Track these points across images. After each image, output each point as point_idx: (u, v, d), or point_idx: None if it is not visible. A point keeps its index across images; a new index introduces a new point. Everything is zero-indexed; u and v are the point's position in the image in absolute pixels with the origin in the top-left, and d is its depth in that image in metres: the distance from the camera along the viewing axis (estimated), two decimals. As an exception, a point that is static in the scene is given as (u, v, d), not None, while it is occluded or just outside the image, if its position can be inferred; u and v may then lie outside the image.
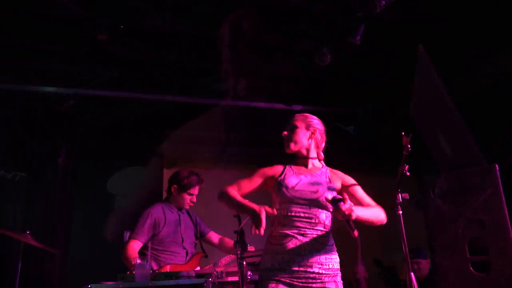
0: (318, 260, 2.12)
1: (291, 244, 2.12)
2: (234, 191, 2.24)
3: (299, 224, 2.15)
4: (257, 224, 2.03)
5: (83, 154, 4.90)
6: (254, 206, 2.09)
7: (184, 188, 3.50)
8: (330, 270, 2.14)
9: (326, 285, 2.11)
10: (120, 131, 5.11)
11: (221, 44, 4.37)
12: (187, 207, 3.56)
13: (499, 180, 2.99)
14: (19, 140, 4.72)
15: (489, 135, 4.32)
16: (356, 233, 1.99)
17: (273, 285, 2.08)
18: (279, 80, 5.10)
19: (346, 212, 1.95)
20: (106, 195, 4.77)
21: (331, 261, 2.16)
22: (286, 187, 2.23)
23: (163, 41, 4.28)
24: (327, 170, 2.40)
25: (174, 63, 4.67)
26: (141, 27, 4.07)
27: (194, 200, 3.57)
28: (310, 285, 2.09)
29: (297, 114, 2.48)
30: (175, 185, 3.52)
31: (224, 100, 5.41)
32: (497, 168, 3.01)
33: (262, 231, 2.05)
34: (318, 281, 2.10)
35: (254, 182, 2.33)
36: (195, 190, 3.54)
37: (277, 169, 2.36)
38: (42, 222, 4.48)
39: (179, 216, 3.51)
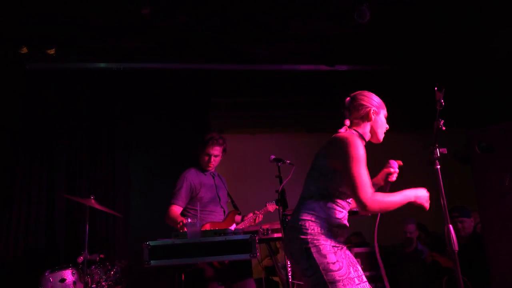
0: None
1: (344, 227, 2.18)
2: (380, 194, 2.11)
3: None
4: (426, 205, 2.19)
5: (137, 123, 5.18)
6: (420, 192, 2.18)
7: (201, 148, 3.55)
8: None
9: None
10: (169, 100, 5.32)
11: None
12: (206, 168, 3.57)
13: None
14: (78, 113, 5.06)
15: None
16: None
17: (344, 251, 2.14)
18: (320, 41, 5.05)
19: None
20: (159, 162, 5.03)
21: None
22: None
23: (203, 9, 4.35)
24: None
25: (215, 31, 4.75)
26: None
27: (211, 160, 3.53)
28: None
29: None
30: (198, 148, 3.59)
31: (266, 65, 5.47)
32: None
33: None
34: None
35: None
36: (212, 150, 3.50)
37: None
38: (104, 188, 4.84)
39: (213, 177, 3.64)
